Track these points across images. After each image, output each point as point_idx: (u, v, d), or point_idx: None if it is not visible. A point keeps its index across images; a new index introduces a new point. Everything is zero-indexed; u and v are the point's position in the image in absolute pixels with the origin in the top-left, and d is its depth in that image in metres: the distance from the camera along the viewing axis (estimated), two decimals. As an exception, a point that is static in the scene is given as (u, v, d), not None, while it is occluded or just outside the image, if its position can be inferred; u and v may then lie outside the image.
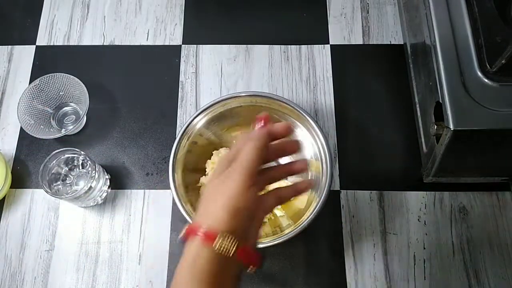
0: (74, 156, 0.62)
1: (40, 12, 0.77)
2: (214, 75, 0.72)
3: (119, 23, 0.76)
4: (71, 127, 0.67)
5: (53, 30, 0.76)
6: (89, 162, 0.60)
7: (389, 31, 0.73)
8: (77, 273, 0.61)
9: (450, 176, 0.61)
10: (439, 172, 0.59)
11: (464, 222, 0.62)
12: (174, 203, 0.63)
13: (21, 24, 0.77)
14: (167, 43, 0.74)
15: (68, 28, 0.76)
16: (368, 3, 0.76)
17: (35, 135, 0.64)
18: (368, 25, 0.74)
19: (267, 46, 0.73)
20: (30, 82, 0.71)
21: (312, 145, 0.59)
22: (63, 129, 0.68)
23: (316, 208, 0.53)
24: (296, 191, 0.44)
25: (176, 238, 0.63)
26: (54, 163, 0.61)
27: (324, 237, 0.62)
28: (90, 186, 0.59)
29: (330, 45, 0.73)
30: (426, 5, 0.57)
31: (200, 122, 0.60)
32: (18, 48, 0.75)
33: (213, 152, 0.63)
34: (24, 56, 0.74)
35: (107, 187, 0.65)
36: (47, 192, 0.58)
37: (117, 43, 0.75)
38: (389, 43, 0.73)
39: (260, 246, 0.52)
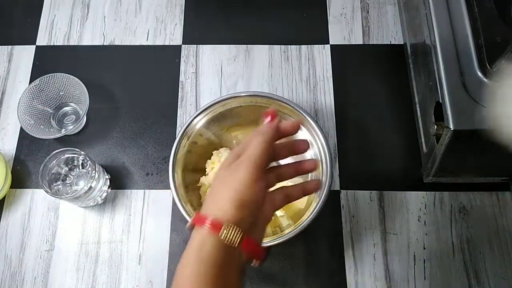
0: (74, 156, 0.62)
1: (40, 12, 0.77)
2: (214, 75, 0.72)
3: (119, 23, 0.76)
4: (71, 127, 0.67)
5: (53, 30, 0.76)
6: (89, 162, 0.60)
7: (389, 31, 0.73)
8: (77, 273, 0.61)
9: (450, 176, 0.61)
10: (439, 172, 0.59)
11: (464, 222, 0.62)
12: (174, 203, 0.63)
13: (21, 24, 0.77)
14: (167, 43, 0.74)
15: (68, 28, 0.76)
16: (368, 3, 0.76)
17: (35, 135, 0.64)
18: (368, 25, 0.74)
19: (267, 46, 0.73)
20: (30, 82, 0.71)
21: (312, 145, 0.59)
22: (63, 129, 0.68)
23: (316, 208, 0.53)
24: (304, 191, 0.44)
25: (176, 238, 0.63)
26: (54, 163, 0.61)
27: (324, 237, 0.62)
28: (90, 186, 0.59)
29: (330, 45, 0.73)
30: (426, 5, 0.57)
31: (200, 122, 0.60)
32: (18, 48, 0.75)
33: (213, 152, 0.63)
34: (24, 56, 0.74)
35: (107, 187, 0.65)
36: (47, 192, 0.59)
37: (117, 43, 0.75)
38: (389, 43, 0.73)
39: (260, 246, 0.52)
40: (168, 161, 0.57)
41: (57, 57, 0.74)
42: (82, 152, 0.60)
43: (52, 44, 0.75)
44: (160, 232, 0.63)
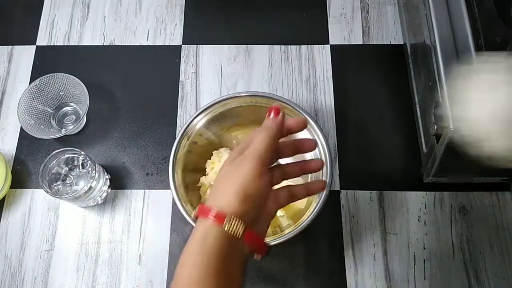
0: (74, 156, 0.62)
1: (40, 12, 0.77)
2: (214, 75, 0.72)
3: (119, 23, 0.76)
4: (71, 127, 0.67)
5: (53, 30, 0.76)
6: (89, 162, 0.60)
7: (389, 31, 0.73)
8: (77, 273, 0.61)
9: (450, 176, 0.61)
10: (439, 172, 0.59)
11: (464, 222, 0.62)
12: (174, 203, 0.63)
13: (21, 24, 0.77)
14: (167, 43, 0.74)
15: (68, 28, 0.76)
16: (368, 3, 0.76)
17: (35, 135, 0.64)
18: (368, 25, 0.74)
19: (267, 46, 0.73)
20: (30, 82, 0.71)
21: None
22: (63, 129, 0.68)
23: (316, 208, 0.53)
24: (308, 191, 0.44)
25: (176, 238, 0.63)
26: (54, 163, 0.61)
27: (324, 237, 0.62)
28: (90, 186, 0.59)
29: (330, 45, 0.73)
30: (426, 5, 0.57)
31: (200, 122, 0.60)
32: (18, 48, 0.75)
33: (213, 152, 0.63)
34: (24, 56, 0.74)
35: (107, 187, 0.65)
36: (47, 192, 0.59)
37: (117, 43, 0.75)
38: (389, 43, 0.73)
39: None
40: (168, 161, 0.57)
41: (57, 57, 0.74)
42: (82, 152, 0.60)
43: (52, 44, 0.75)
44: (160, 232, 0.63)
